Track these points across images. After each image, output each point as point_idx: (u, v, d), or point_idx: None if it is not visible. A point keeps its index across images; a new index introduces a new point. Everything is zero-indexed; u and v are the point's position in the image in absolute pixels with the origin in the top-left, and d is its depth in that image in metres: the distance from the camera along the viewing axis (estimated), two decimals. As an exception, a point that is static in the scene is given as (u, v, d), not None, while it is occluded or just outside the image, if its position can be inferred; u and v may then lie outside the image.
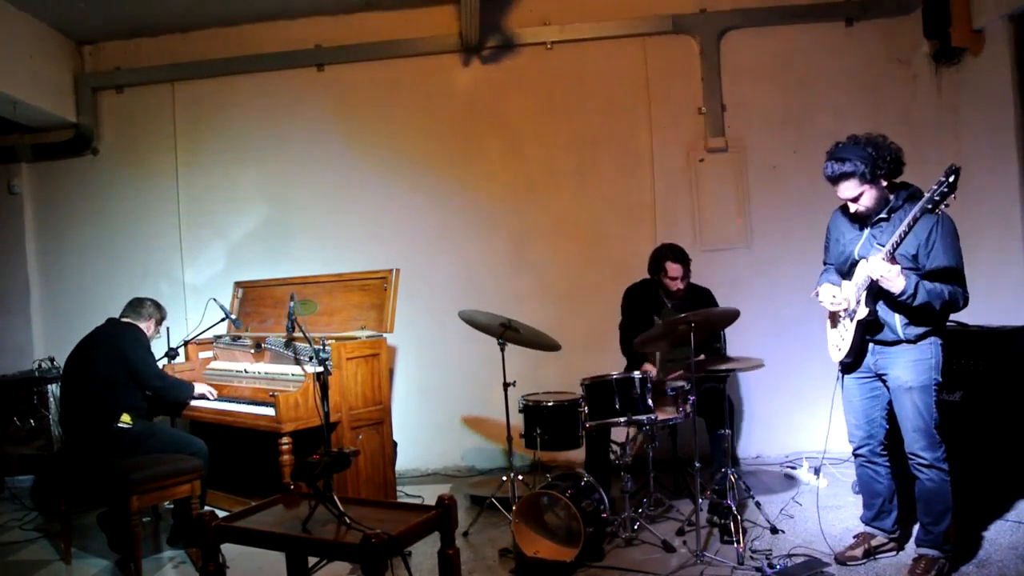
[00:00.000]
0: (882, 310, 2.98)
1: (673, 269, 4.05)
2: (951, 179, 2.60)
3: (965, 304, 2.91)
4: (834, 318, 3.17)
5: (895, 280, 2.79)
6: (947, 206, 2.67)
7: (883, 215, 2.96)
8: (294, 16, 5.36)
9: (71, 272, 5.66)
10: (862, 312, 2.96)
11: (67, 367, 3.90)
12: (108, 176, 5.62)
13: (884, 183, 2.92)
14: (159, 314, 4.10)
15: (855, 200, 2.95)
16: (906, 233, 2.76)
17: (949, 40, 4.52)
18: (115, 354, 3.79)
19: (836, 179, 2.93)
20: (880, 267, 2.80)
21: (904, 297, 2.82)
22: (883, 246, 2.88)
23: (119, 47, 5.61)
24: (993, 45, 4.35)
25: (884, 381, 3.07)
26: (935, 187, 2.63)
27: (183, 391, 4.08)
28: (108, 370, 3.76)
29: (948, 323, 3.23)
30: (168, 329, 4.42)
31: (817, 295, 3.16)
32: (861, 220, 3.03)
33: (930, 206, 2.65)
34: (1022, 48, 4.23)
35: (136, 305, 4.08)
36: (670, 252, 4.08)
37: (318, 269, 4.95)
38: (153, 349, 4.04)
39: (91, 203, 5.63)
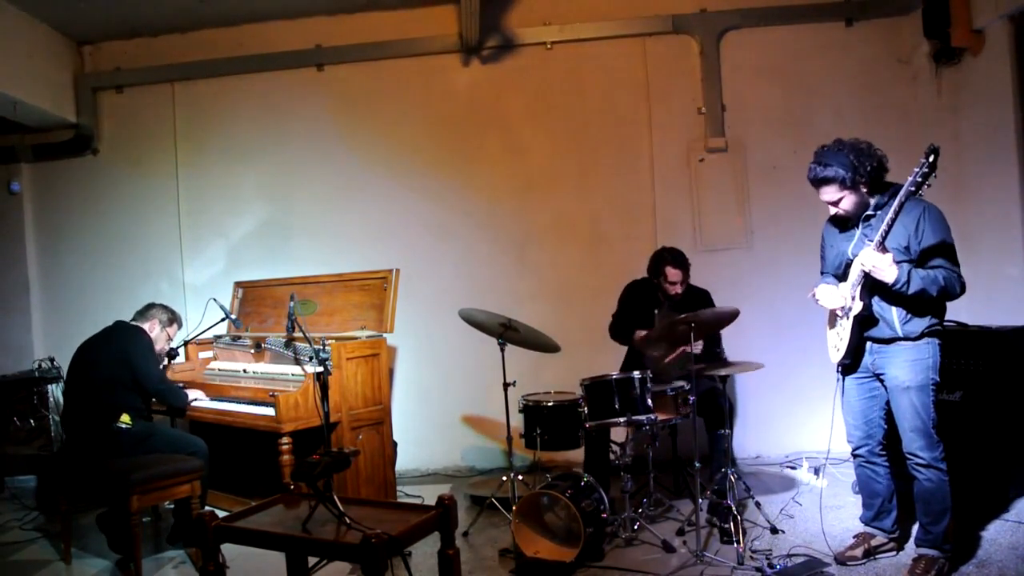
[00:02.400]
0: (878, 305, 2.98)
1: (672, 274, 4.05)
2: (931, 159, 2.62)
3: (963, 290, 2.90)
4: (833, 319, 3.18)
5: (887, 269, 2.80)
6: (929, 186, 2.68)
7: (871, 212, 2.99)
8: (294, 16, 5.37)
9: (71, 272, 5.66)
10: (857, 307, 2.96)
11: (71, 367, 3.90)
12: (108, 176, 5.62)
13: (864, 189, 2.96)
14: (164, 315, 4.07)
15: (835, 204, 3.00)
16: (894, 219, 2.77)
17: (949, 40, 4.51)
18: (118, 356, 3.79)
19: (817, 183, 2.99)
20: (871, 257, 2.81)
21: (898, 286, 2.83)
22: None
23: (119, 47, 5.61)
24: (993, 45, 4.35)
25: (882, 381, 3.08)
26: (916, 169, 2.65)
27: (181, 398, 4.09)
28: (110, 371, 3.75)
29: (948, 323, 3.23)
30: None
31: (814, 295, 3.17)
32: (845, 223, 3.08)
33: (913, 188, 2.68)
34: (1022, 48, 4.23)
35: (144, 309, 4.10)
36: (670, 256, 4.08)
37: (318, 269, 4.95)
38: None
39: (91, 203, 5.63)
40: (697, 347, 3.65)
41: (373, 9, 5.29)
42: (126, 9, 5.11)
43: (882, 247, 2.82)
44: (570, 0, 5.21)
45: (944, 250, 2.89)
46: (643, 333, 3.97)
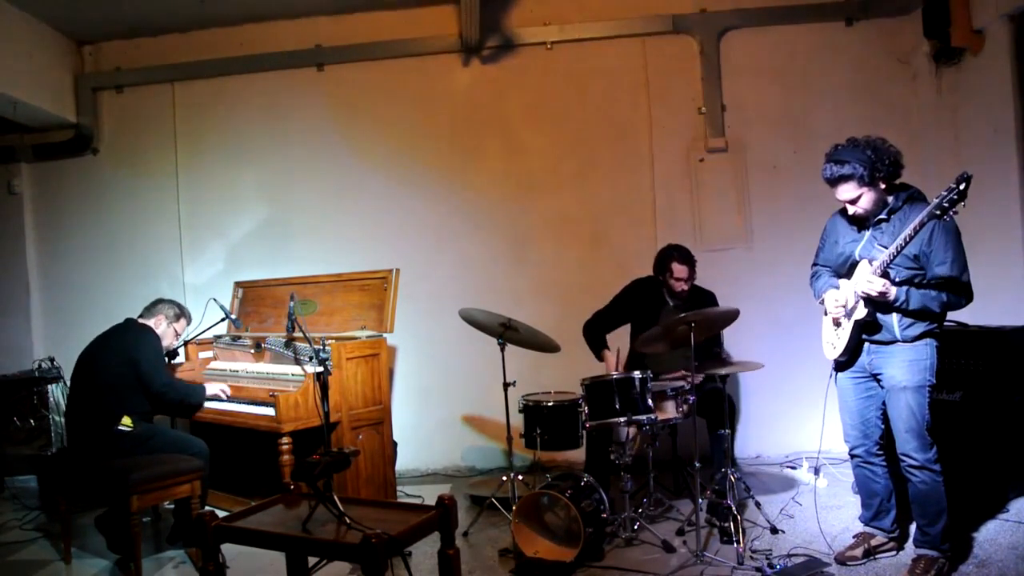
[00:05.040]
0: (880, 312, 2.98)
1: (679, 270, 4.06)
2: (962, 187, 2.57)
3: (969, 300, 2.91)
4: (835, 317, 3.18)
5: (888, 291, 2.83)
6: (956, 213, 2.64)
7: (883, 216, 2.96)
8: (294, 16, 5.37)
9: (71, 272, 5.66)
10: (860, 312, 2.96)
11: (78, 364, 3.88)
12: (108, 176, 5.62)
13: (883, 186, 2.92)
14: (171, 311, 4.04)
15: (853, 202, 2.95)
16: (911, 238, 2.74)
17: (949, 40, 4.51)
18: (124, 356, 3.77)
19: (834, 181, 2.94)
20: (872, 285, 2.82)
21: (898, 303, 2.86)
22: (884, 247, 2.89)
23: (119, 47, 5.61)
24: (993, 45, 4.35)
25: (879, 381, 3.08)
26: (945, 193, 2.60)
27: (194, 395, 4.03)
28: (116, 371, 3.74)
29: (948, 323, 3.23)
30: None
31: (823, 302, 3.17)
32: (860, 222, 3.04)
33: (938, 212, 2.63)
34: (1022, 48, 4.22)
35: (151, 305, 4.07)
36: (677, 253, 4.09)
37: (318, 269, 4.95)
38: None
39: (91, 203, 5.63)
40: (698, 378, 3.65)
41: (373, 9, 5.29)
42: (126, 9, 5.11)
43: (882, 272, 2.83)
44: (570, 0, 5.22)
45: (952, 275, 2.84)
46: (611, 357, 4.06)
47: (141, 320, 4.00)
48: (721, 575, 3.17)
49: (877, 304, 2.93)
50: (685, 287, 4.09)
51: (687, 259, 4.08)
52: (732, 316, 3.53)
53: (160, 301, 4.10)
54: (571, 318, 4.95)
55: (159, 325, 3.99)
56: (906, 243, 2.76)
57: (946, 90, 4.76)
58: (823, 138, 3.18)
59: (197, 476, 3.61)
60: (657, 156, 5.17)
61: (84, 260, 5.64)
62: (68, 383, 4.47)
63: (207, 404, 4.18)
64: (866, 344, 3.07)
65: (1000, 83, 4.29)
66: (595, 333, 4.25)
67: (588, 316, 4.50)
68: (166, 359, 4.38)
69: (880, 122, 4.71)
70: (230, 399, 4.17)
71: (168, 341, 4.05)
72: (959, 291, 2.87)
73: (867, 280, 2.85)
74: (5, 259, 5.67)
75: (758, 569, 3.14)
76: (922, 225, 2.71)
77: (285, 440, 3.80)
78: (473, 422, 5.28)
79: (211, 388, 4.15)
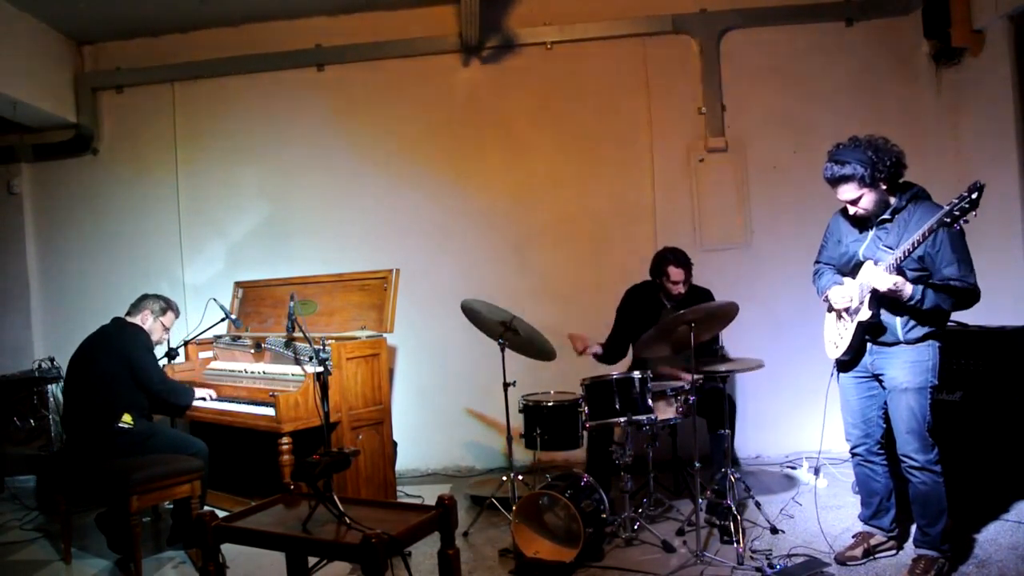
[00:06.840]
0: (885, 313, 2.97)
1: (675, 273, 4.04)
2: (974, 196, 2.52)
3: (976, 300, 2.89)
4: (837, 312, 3.17)
5: (903, 288, 2.80)
6: (967, 222, 2.60)
7: (886, 216, 2.96)
8: (294, 16, 5.37)
9: (71, 272, 5.66)
10: (865, 314, 2.95)
11: (70, 366, 3.89)
12: (108, 176, 5.62)
13: (884, 186, 2.91)
14: (156, 305, 4.02)
15: (854, 203, 2.94)
16: (918, 243, 2.72)
17: (949, 40, 4.52)
18: (117, 355, 3.78)
19: (835, 181, 2.92)
20: (885, 280, 2.80)
21: (912, 302, 2.83)
22: (889, 247, 2.88)
23: (119, 47, 5.61)
24: (993, 45, 4.35)
25: (880, 381, 3.07)
26: (956, 201, 2.56)
27: (184, 396, 4.07)
28: (111, 370, 3.75)
29: (948, 323, 3.23)
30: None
31: (826, 299, 3.16)
32: (863, 222, 3.03)
33: (948, 220, 2.59)
34: (1022, 48, 4.23)
35: (137, 302, 4.06)
36: (672, 256, 4.07)
37: (318, 269, 4.95)
38: (156, 351, 4.05)
39: (91, 203, 5.63)
40: (687, 378, 3.65)
41: (373, 9, 5.29)
42: (126, 9, 5.11)
43: (897, 270, 2.81)
44: (570, 0, 5.22)
45: (960, 263, 2.82)
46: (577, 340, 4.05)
47: (128, 318, 4.00)
48: (721, 575, 3.17)
49: (889, 302, 2.91)
50: (682, 290, 4.07)
51: (683, 262, 4.06)
52: (730, 311, 3.51)
53: (145, 297, 4.08)
54: (571, 318, 4.96)
55: (145, 321, 3.98)
56: (914, 248, 2.74)
57: (946, 90, 4.76)
58: (823, 138, 3.18)
59: (197, 476, 3.61)
60: (657, 156, 5.17)
61: (84, 260, 5.64)
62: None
63: (202, 404, 4.19)
64: (868, 345, 3.06)
65: (1000, 83, 4.29)
66: (615, 346, 4.25)
67: (588, 314, 4.52)
68: (167, 359, 4.40)
69: (880, 122, 4.70)
70: (230, 399, 4.17)
71: (157, 336, 4.03)
72: (968, 292, 2.85)
73: (881, 276, 2.81)
74: (5, 259, 5.67)
75: (758, 569, 3.14)
76: (931, 231, 2.68)
77: (285, 440, 3.80)
78: (473, 422, 5.28)
79: (199, 392, 4.19)
